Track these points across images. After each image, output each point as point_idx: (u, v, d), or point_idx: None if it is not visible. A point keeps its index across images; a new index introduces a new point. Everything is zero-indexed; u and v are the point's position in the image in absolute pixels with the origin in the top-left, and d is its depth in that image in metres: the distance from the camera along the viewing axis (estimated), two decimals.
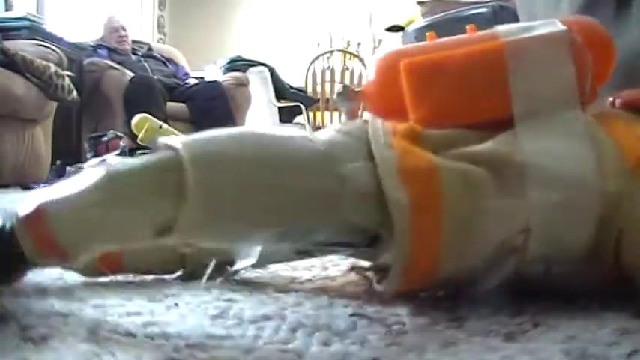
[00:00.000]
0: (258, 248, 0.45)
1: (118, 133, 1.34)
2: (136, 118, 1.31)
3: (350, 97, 0.50)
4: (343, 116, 0.59)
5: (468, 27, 0.50)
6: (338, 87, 0.51)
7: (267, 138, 0.37)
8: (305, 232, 0.37)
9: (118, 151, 1.27)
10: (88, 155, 1.33)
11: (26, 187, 2.20)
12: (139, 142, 1.29)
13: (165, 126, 1.33)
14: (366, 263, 0.46)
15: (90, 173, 0.35)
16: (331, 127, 0.42)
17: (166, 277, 0.49)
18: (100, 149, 1.32)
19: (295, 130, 0.38)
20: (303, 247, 0.42)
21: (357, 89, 0.51)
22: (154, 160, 0.34)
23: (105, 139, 1.34)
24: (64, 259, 0.35)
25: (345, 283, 0.48)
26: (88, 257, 0.35)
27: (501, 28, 0.46)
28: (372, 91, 0.48)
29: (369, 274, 0.45)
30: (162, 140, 0.35)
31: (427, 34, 0.50)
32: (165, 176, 0.33)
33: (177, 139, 0.35)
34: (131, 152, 1.28)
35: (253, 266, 0.47)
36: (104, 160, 1.25)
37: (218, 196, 0.33)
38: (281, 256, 0.47)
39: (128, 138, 1.31)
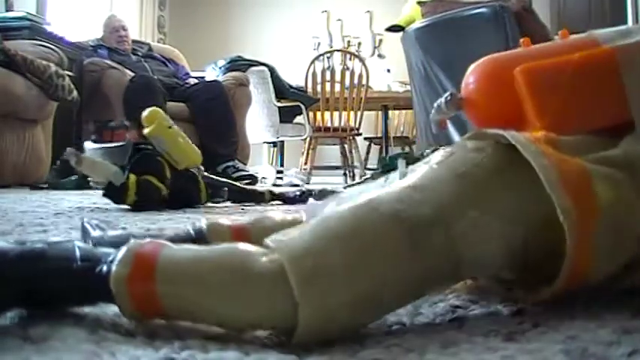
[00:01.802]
0: None
1: (126, 123, 1.32)
2: (148, 111, 1.29)
3: (457, 105, 0.49)
4: (435, 127, 0.56)
5: (560, 32, 0.50)
6: (446, 94, 0.49)
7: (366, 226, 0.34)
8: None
9: (122, 143, 1.25)
10: (92, 137, 1.31)
11: (34, 187, 2.20)
12: (145, 133, 1.28)
13: (175, 127, 1.32)
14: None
15: (220, 248, 0.34)
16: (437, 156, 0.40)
17: None
18: (104, 134, 1.30)
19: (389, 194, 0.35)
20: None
21: (461, 97, 0.49)
22: (266, 268, 0.32)
23: (112, 124, 1.32)
24: (153, 316, 0.34)
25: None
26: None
27: (599, 33, 0.47)
28: (475, 98, 0.47)
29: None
30: (271, 241, 0.33)
31: (521, 40, 0.50)
32: (276, 288, 0.31)
33: (281, 245, 0.33)
34: (135, 145, 1.26)
35: None
36: (104, 148, 1.23)
37: (331, 312, 0.31)
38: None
39: (135, 131, 1.29)
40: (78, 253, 0.35)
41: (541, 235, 0.36)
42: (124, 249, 0.34)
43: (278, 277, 0.31)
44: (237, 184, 1.49)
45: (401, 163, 0.46)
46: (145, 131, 1.27)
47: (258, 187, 1.59)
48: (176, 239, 0.50)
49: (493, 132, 0.39)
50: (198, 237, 0.50)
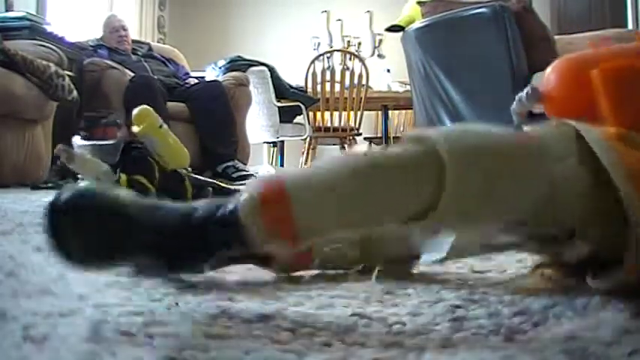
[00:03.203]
0: (449, 243, 0.46)
1: (118, 120, 1.30)
2: (138, 110, 1.28)
3: (539, 99, 0.53)
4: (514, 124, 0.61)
5: (635, 33, 0.54)
6: (527, 89, 0.54)
7: (506, 138, 0.39)
8: (521, 223, 0.39)
9: (113, 141, 1.24)
10: (82, 133, 1.28)
11: (35, 186, 2.20)
12: (135, 132, 1.26)
13: (165, 126, 1.31)
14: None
15: (342, 158, 0.35)
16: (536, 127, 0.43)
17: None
18: (96, 131, 1.27)
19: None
20: (501, 241, 0.43)
21: (542, 92, 0.53)
22: (412, 152, 0.35)
23: (104, 120, 1.30)
24: (291, 244, 0.34)
25: (525, 281, 0.48)
26: (313, 242, 0.35)
27: None
28: (554, 94, 0.51)
29: (549, 271, 0.46)
30: (415, 133, 0.36)
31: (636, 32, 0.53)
32: (425, 168, 0.34)
33: (429, 132, 0.36)
34: (126, 145, 1.25)
35: (442, 260, 0.49)
36: (95, 145, 1.21)
37: (472, 187, 0.35)
38: (469, 250, 0.48)
39: (127, 129, 1.28)
40: (195, 205, 0.36)
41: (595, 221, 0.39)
42: (245, 187, 0.35)
43: (427, 154, 0.34)
44: (221, 183, 1.48)
45: None
46: (135, 130, 1.25)
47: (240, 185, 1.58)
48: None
49: (572, 123, 0.42)
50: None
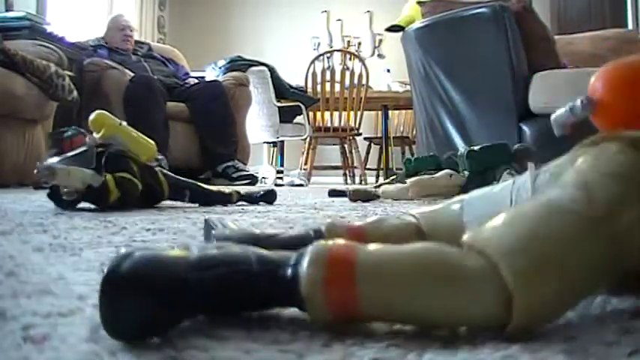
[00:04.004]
0: None
1: (81, 130, 1.29)
2: (93, 115, 1.27)
3: (592, 109, 0.49)
4: (556, 129, 0.57)
5: None
6: (581, 98, 0.50)
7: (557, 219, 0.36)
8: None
9: (84, 148, 1.23)
10: (50, 152, 1.27)
11: (37, 186, 2.20)
12: (97, 139, 1.26)
13: (124, 123, 1.30)
14: None
15: (415, 249, 0.34)
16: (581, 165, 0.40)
17: None
18: (64, 145, 1.26)
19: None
20: None
21: (597, 101, 0.50)
22: (476, 266, 0.33)
23: (68, 134, 1.28)
24: (346, 320, 0.33)
25: None
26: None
27: None
28: (607, 102, 0.48)
29: None
30: (474, 242, 0.34)
31: None
32: (489, 285, 0.32)
33: (488, 244, 0.34)
34: (99, 153, 1.24)
35: None
36: (68, 157, 1.21)
37: (543, 309, 0.33)
38: None
39: (93, 135, 1.27)
40: (253, 257, 0.34)
41: None
42: (310, 251, 0.33)
43: (488, 273, 0.32)
44: (202, 185, 1.45)
45: (531, 166, 0.47)
46: (97, 137, 1.25)
47: (225, 188, 1.55)
48: (295, 240, 0.50)
49: (630, 135, 0.40)
50: (317, 238, 0.49)
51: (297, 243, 0.44)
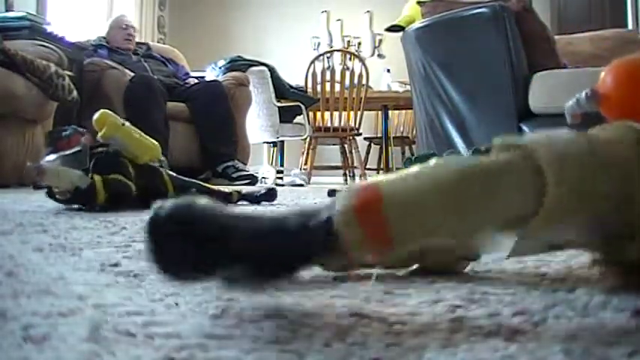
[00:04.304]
0: (510, 243, 0.46)
1: (79, 129, 1.29)
2: (96, 115, 1.27)
3: (598, 100, 0.52)
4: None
5: None
6: (586, 90, 0.53)
7: (593, 137, 0.39)
8: (606, 220, 0.39)
9: (79, 148, 1.23)
10: (47, 150, 1.27)
11: (37, 186, 2.19)
12: (99, 138, 1.26)
13: (127, 124, 1.29)
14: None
15: (438, 164, 0.35)
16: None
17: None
18: (60, 144, 1.26)
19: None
20: (565, 238, 0.43)
21: (602, 93, 0.53)
22: (507, 159, 0.35)
23: (66, 133, 1.28)
24: (382, 251, 0.35)
25: (581, 275, 0.49)
26: (405, 250, 0.35)
27: None
28: (612, 95, 0.51)
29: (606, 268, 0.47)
30: (504, 141, 0.37)
31: None
32: (523, 174, 0.35)
33: (519, 140, 0.37)
34: (91, 149, 1.24)
35: (502, 260, 0.50)
36: (62, 156, 1.21)
37: (572, 190, 0.35)
38: (531, 250, 0.48)
39: (90, 134, 1.27)
40: (286, 211, 0.36)
41: None
42: (341, 193, 0.35)
43: (523, 164, 0.35)
44: (205, 184, 1.46)
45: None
46: (99, 135, 1.25)
47: (225, 188, 1.55)
48: None
49: (632, 125, 0.42)
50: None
51: None
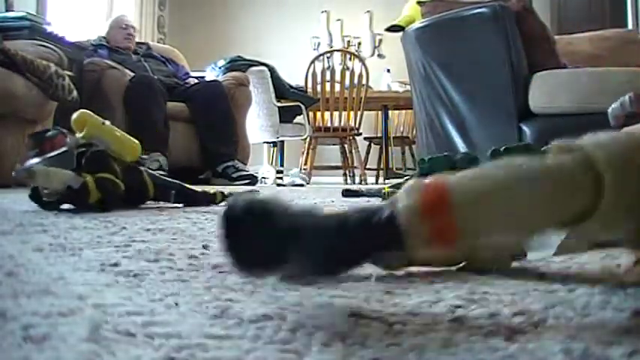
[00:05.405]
0: (557, 241, 0.47)
1: (63, 130, 1.27)
2: (75, 115, 1.25)
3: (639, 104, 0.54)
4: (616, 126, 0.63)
5: None
6: (629, 94, 0.55)
7: None
8: None
9: (65, 148, 1.22)
10: (30, 152, 1.26)
11: (18, 184, 2.18)
12: (80, 138, 1.24)
13: (107, 122, 1.28)
14: None
15: (500, 164, 0.36)
16: None
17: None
18: (44, 145, 1.25)
19: None
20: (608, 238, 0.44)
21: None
22: (567, 160, 0.36)
23: (49, 134, 1.27)
24: (450, 247, 0.35)
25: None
26: (467, 246, 0.36)
27: None
28: None
29: None
30: (562, 143, 0.38)
31: None
32: (582, 175, 0.35)
33: (577, 141, 0.37)
34: (80, 154, 1.22)
35: (549, 258, 0.50)
36: (49, 158, 1.20)
37: (629, 189, 0.36)
38: (577, 247, 0.49)
39: (75, 135, 1.25)
40: (349, 208, 0.37)
41: None
42: (403, 190, 0.36)
43: (583, 163, 0.35)
44: (187, 185, 1.45)
45: None
46: (79, 136, 1.23)
47: (210, 189, 1.55)
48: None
49: None
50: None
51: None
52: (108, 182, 1.20)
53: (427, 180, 0.36)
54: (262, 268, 0.35)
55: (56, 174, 1.14)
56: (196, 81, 3.80)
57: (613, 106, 0.59)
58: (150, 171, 1.36)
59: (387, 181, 4.35)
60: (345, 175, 5.00)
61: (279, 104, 4.03)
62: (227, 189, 1.68)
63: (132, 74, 3.34)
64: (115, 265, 0.55)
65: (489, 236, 0.35)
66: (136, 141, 1.34)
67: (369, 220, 0.35)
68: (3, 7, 3.52)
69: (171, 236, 0.79)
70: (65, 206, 1.22)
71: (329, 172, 4.97)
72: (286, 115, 4.14)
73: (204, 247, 0.68)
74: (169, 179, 1.43)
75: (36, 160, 1.19)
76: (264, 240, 0.34)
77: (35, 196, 1.21)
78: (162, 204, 1.40)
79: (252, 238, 0.34)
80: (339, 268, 0.37)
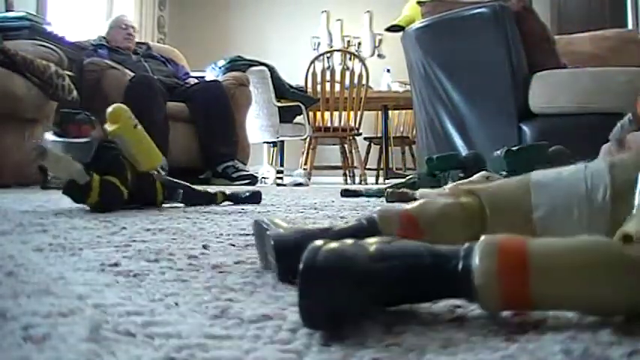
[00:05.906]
0: None
1: (92, 117, 1.26)
2: (112, 108, 1.24)
3: (638, 123, 0.53)
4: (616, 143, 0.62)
5: None
6: (628, 115, 0.55)
7: None
8: None
9: (88, 139, 1.21)
10: (53, 128, 1.24)
11: (45, 187, 2.18)
12: (108, 131, 1.23)
13: (139, 127, 1.27)
14: None
15: (583, 240, 0.35)
16: None
17: (166, 276, 0.49)
18: (71, 127, 1.23)
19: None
20: None
21: None
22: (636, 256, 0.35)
23: (79, 117, 1.25)
24: (521, 311, 0.35)
25: None
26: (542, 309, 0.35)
27: None
28: None
29: None
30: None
31: None
32: None
33: None
34: (98, 149, 1.21)
35: None
36: (69, 143, 1.18)
37: None
38: None
39: (102, 129, 1.25)
40: (424, 250, 0.36)
41: None
42: (480, 244, 0.35)
43: None
44: (191, 186, 1.46)
45: (605, 151, 0.51)
46: (108, 129, 1.23)
47: (210, 189, 1.55)
48: (350, 231, 0.51)
49: None
50: (371, 226, 0.51)
51: (353, 234, 0.45)
52: (112, 187, 1.19)
53: (505, 238, 0.35)
54: (337, 319, 0.34)
55: (66, 164, 1.14)
56: (196, 81, 3.80)
57: (614, 130, 0.59)
58: (163, 177, 1.37)
59: (387, 181, 4.35)
60: (345, 175, 5.00)
61: (279, 104, 4.03)
62: (228, 189, 1.68)
63: (132, 74, 3.34)
64: (115, 265, 0.55)
65: (562, 307, 0.35)
66: (160, 154, 1.34)
67: (444, 266, 0.35)
68: (3, 7, 3.52)
69: (171, 236, 0.79)
70: (79, 206, 1.22)
71: (329, 172, 4.97)
72: (286, 115, 4.14)
73: (204, 247, 0.68)
74: (177, 181, 1.44)
75: (56, 138, 1.18)
76: (344, 293, 0.34)
77: (70, 190, 1.18)
78: (169, 204, 1.40)
79: (332, 292, 0.33)
80: (398, 305, 0.37)
